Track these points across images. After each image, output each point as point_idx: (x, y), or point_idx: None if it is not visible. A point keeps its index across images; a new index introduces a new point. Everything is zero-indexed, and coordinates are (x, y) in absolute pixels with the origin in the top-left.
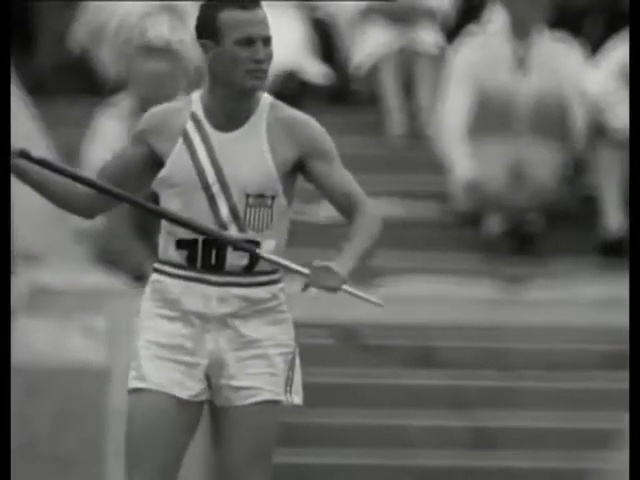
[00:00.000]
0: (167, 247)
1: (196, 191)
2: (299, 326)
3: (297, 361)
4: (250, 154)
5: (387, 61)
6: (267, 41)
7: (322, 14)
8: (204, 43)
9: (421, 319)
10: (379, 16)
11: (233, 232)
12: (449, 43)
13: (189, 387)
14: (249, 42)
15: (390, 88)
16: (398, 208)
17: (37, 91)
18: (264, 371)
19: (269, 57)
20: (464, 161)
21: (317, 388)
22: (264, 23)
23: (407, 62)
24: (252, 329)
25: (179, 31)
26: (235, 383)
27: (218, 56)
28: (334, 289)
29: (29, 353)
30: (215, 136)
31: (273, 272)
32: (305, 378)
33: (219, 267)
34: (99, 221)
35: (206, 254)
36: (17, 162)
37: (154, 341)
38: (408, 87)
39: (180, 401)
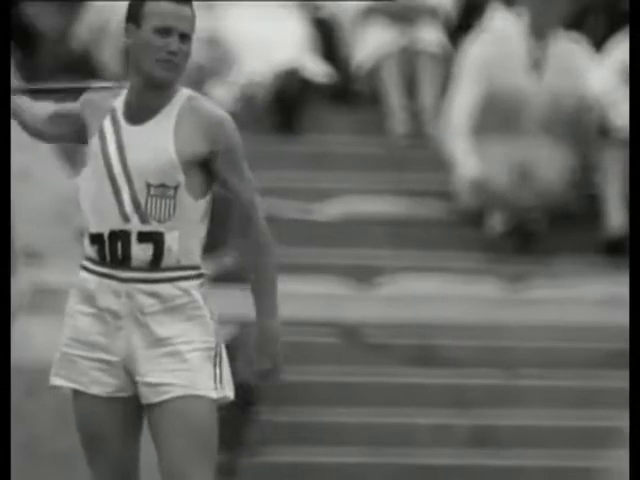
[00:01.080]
0: (85, 242)
1: (105, 183)
2: (303, 324)
3: (223, 357)
4: (154, 144)
5: (389, 60)
6: (185, 38)
7: (324, 13)
8: (127, 27)
9: (424, 318)
10: (381, 15)
11: (136, 223)
12: (451, 42)
13: (106, 384)
14: (166, 32)
15: (392, 87)
16: (401, 207)
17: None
18: (176, 367)
19: (184, 53)
20: (468, 159)
21: (320, 386)
22: (187, 20)
23: (409, 61)
24: (163, 327)
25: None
26: (148, 379)
27: (135, 41)
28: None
29: (30, 352)
30: (126, 128)
31: (183, 268)
32: (308, 377)
33: (126, 262)
34: None
35: (113, 248)
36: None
37: (74, 338)
38: (410, 86)
39: (101, 399)
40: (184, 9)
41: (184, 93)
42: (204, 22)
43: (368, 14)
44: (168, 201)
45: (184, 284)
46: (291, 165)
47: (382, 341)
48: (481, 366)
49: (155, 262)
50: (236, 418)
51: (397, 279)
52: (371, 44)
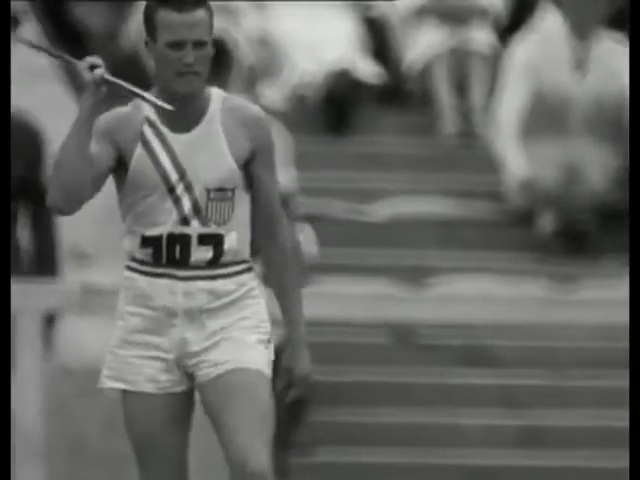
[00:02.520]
0: (133, 244)
1: (161, 194)
2: (352, 325)
3: (271, 345)
4: (209, 150)
5: (440, 60)
6: (199, 44)
7: (375, 13)
8: (147, 41)
9: (473, 318)
10: (432, 15)
11: (196, 227)
12: (501, 42)
13: (161, 381)
14: (178, 45)
15: (442, 87)
16: (451, 207)
17: None
18: (232, 348)
19: (202, 59)
20: (518, 159)
21: (370, 387)
22: (199, 26)
23: (459, 61)
24: (219, 320)
25: (232, 31)
26: (205, 358)
27: (154, 55)
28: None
29: (79, 353)
30: (173, 137)
31: (239, 262)
32: (359, 377)
33: (184, 262)
34: None
35: (170, 249)
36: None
37: (125, 339)
38: (461, 86)
39: (156, 397)
40: (194, 15)
41: (218, 94)
42: (255, 22)
43: (419, 14)
44: (227, 204)
45: (241, 278)
46: (341, 165)
47: (432, 342)
48: (530, 366)
49: (214, 261)
50: (287, 419)
51: (447, 280)
52: (422, 44)
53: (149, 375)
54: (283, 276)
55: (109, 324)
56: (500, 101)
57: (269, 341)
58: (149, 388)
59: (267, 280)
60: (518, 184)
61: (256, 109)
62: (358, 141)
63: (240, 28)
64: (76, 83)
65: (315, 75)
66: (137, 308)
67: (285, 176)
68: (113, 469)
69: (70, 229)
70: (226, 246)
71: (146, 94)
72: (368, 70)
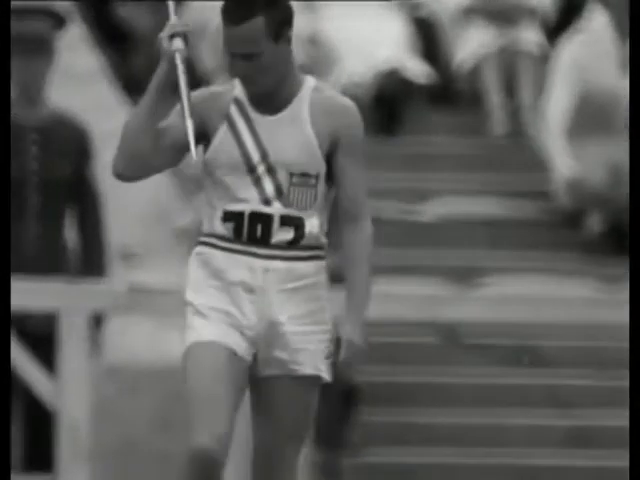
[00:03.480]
0: (212, 220)
1: (241, 173)
2: (402, 325)
3: (332, 340)
4: (294, 134)
5: (489, 60)
6: (248, 56)
7: (424, 12)
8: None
9: (521, 318)
10: (481, 14)
11: (278, 207)
12: (549, 42)
13: (240, 344)
14: (232, 55)
15: (492, 87)
16: (500, 207)
17: (133, 88)
18: (308, 347)
19: (255, 69)
20: (565, 159)
21: (420, 387)
22: (246, 40)
23: (508, 61)
24: (295, 304)
25: None
26: (280, 355)
27: None
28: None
29: (127, 353)
30: (259, 119)
31: (318, 247)
32: (408, 377)
33: (264, 241)
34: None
35: (252, 227)
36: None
37: (208, 306)
38: (510, 86)
39: (234, 354)
40: (243, 28)
41: (310, 82)
42: (304, 22)
43: (468, 13)
44: (310, 189)
45: (317, 263)
46: (391, 166)
47: (479, 341)
48: (577, 366)
49: (294, 242)
50: (338, 419)
51: (495, 279)
52: (471, 44)
53: (229, 335)
54: (360, 261)
55: (156, 324)
56: (547, 101)
57: (330, 339)
58: (229, 344)
59: (343, 270)
60: (566, 184)
61: (346, 100)
62: (408, 141)
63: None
64: (122, 84)
65: (365, 75)
66: (215, 281)
67: None
68: (161, 468)
69: (119, 229)
70: (307, 229)
71: (186, 101)
72: (418, 70)
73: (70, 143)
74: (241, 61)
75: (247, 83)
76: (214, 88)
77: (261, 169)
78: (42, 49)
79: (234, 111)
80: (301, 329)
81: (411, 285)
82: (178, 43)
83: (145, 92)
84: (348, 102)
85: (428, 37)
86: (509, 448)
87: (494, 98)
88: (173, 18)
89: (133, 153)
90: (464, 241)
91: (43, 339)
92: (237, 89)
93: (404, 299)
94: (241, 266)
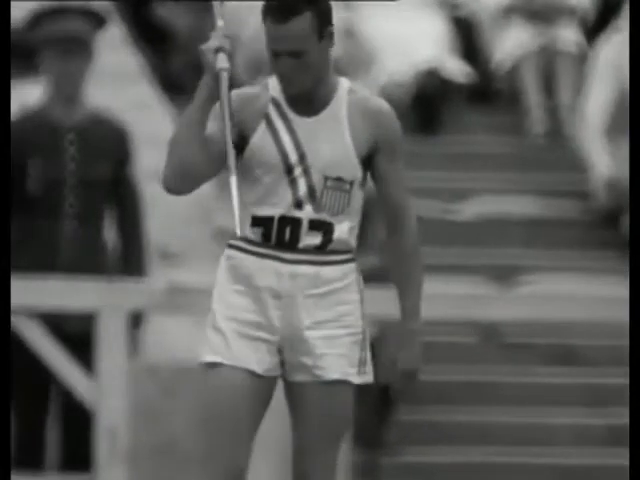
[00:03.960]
0: (243, 222)
1: (278, 173)
2: (442, 324)
3: (367, 341)
4: (331, 137)
5: (528, 59)
6: (295, 54)
7: (463, 12)
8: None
9: (560, 317)
10: (520, 14)
11: (308, 211)
12: (588, 42)
13: (263, 361)
14: (275, 54)
15: (531, 87)
16: (538, 206)
17: (172, 88)
18: (333, 351)
19: (299, 68)
20: (604, 159)
21: (460, 386)
22: (293, 37)
23: (548, 60)
24: (322, 308)
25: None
26: (304, 361)
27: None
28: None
29: (166, 353)
30: (297, 120)
31: (346, 252)
32: (448, 376)
33: (292, 245)
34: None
35: (281, 231)
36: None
37: (229, 316)
38: (549, 85)
39: (255, 375)
40: (290, 26)
41: (344, 85)
42: (339, 15)
43: (508, 13)
44: (343, 195)
45: (344, 267)
46: (431, 165)
47: (520, 340)
48: (616, 365)
49: (322, 247)
50: (376, 418)
51: (533, 278)
52: (510, 43)
53: (251, 353)
54: (408, 264)
55: (196, 323)
56: (586, 100)
57: (364, 339)
58: (252, 366)
59: (390, 271)
60: (603, 183)
61: (381, 102)
62: (447, 141)
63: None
64: (161, 84)
65: (405, 75)
66: (241, 287)
67: None
68: (200, 469)
69: (158, 229)
70: (335, 235)
71: (228, 122)
72: (457, 69)
73: (109, 143)
74: (287, 59)
75: (289, 83)
76: (249, 90)
77: (298, 170)
78: (81, 49)
79: (272, 111)
80: (327, 333)
81: (450, 284)
82: (223, 60)
83: (190, 105)
84: (384, 104)
85: (467, 37)
86: (549, 447)
87: (533, 97)
88: (220, 22)
89: (184, 167)
90: (502, 240)
91: (82, 339)
92: (273, 90)
93: (443, 298)
94: (268, 271)
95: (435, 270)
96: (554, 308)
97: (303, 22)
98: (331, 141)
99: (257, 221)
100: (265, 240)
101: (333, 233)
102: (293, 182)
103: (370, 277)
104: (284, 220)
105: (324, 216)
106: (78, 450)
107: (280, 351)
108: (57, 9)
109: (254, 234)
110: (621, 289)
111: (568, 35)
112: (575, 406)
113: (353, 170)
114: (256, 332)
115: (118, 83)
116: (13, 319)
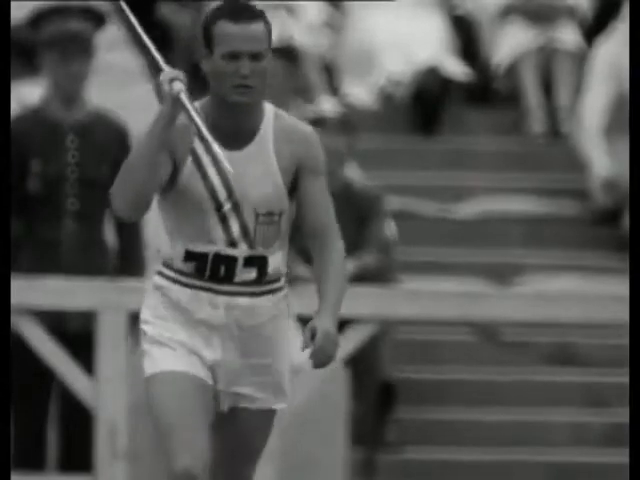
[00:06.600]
0: (172, 254)
1: (208, 210)
2: (440, 323)
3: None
4: (260, 172)
5: (527, 59)
6: (257, 56)
7: (462, 12)
8: (203, 52)
9: (559, 316)
10: (519, 14)
11: (243, 249)
12: (587, 42)
13: (205, 373)
14: (234, 57)
15: (530, 86)
16: (537, 205)
17: None
18: (262, 380)
19: (258, 72)
20: (602, 158)
21: (458, 385)
22: (257, 39)
23: (547, 60)
24: (256, 339)
25: (294, 30)
26: (233, 389)
27: (210, 67)
28: (332, 359)
29: None
30: (224, 155)
31: (279, 279)
32: (446, 375)
33: (227, 280)
34: None
35: (215, 267)
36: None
37: (164, 336)
38: (548, 85)
39: (197, 377)
40: (252, 27)
41: (269, 110)
42: (316, 8)
43: (507, 13)
44: (274, 227)
45: (279, 295)
46: (430, 164)
47: (519, 339)
48: (615, 365)
49: (257, 280)
50: (375, 416)
51: (533, 277)
52: (509, 43)
53: (191, 363)
54: (333, 273)
55: None
56: (584, 100)
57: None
58: (191, 370)
59: (316, 282)
60: (602, 183)
61: (307, 128)
62: (446, 140)
63: (301, 26)
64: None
65: (404, 74)
66: (176, 314)
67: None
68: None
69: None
70: (270, 267)
71: (205, 131)
72: (456, 68)
73: (109, 143)
74: (248, 62)
75: (245, 89)
76: (179, 121)
77: (227, 207)
78: (81, 49)
79: (198, 146)
80: (262, 362)
81: (449, 283)
82: (179, 85)
83: (146, 134)
84: (309, 129)
85: (467, 36)
86: (548, 446)
87: (532, 97)
88: (165, 68)
89: (142, 196)
90: (501, 239)
91: (82, 339)
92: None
93: (442, 297)
94: (204, 303)
95: (434, 269)
96: (553, 307)
97: (262, 26)
98: (260, 177)
99: (191, 256)
100: (198, 274)
101: (268, 266)
102: (224, 220)
103: (366, 277)
104: (218, 258)
105: (259, 251)
106: (78, 449)
107: (213, 376)
108: (57, 9)
109: (187, 268)
110: (620, 288)
111: (567, 35)
112: (574, 405)
113: (282, 202)
114: (191, 350)
115: (118, 83)
116: (13, 319)
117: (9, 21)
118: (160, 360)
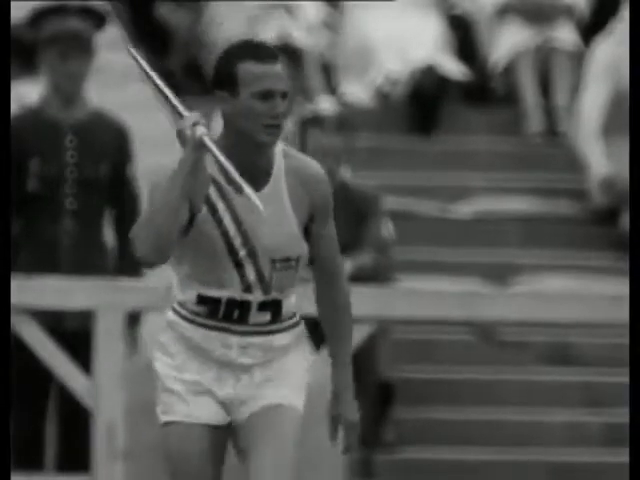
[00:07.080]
0: (187, 296)
1: (223, 257)
2: (438, 323)
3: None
4: (275, 218)
5: (524, 58)
6: (285, 95)
7: (459, 11)
8: (220, 94)
9: (557, 316)
10: (516, 13)
11: (258, 295)
12: (584, 41)
13: (216, 412)
14: (266, 96)
15: (527, 85)
16: (535, 205)
17: (170, 88)
18: (272, 388)
19: (285, 112)
20: (600, 158)
21: (456, 384)
22: (282, 77)
23: (544, 59)
24: (269, 370)
25: (292, 29)
26: (252, 409)
27: (234, 108)
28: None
29: None
30: (238, 200)
31: (293, 316)
32: (445, 375)
33: (240, 322)
34: None
35: (228, 311)
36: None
37: (177, 377)
38: (545, 84)
39: (212, 427)
40: (277, 67)
41: (278, 147)
42: (315, 9)
43: (504, 12)
44: (291, 272)
45: (294, 331)
46: (427, 164)
47: (517, 339)
48: (615, 364)
49: (272, 322)
50: (374, 417)
51: (531, 277)
52: (507, 42)
53: (203, 407)
54: (341, 317)
55: None
56: (582, 100)
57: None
58: (204, 419)
59: (322, 323)
60: (600, 182)
61: (317, 167)
62: (443, 139)
63: (300, 26)
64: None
65: (401, 73)
66: (190, 353)
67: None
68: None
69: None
70: (284, 309)
71: (232, 170)
72: (453, 68)
73: (109, 143)
74: (280, 101)
75: (277, 129)
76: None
77: (242, 253)
78: (81, 48)
79: (212, 191)
80: (271, 383)
81: (447, 283)
82: (201, 129)
83: (169, 182)
84: (319, 169)
85: (464, 35)
86: (545, 446)
87: (529, 97)
88: (185, 113)
89: (166, 241)
90: (499, 239)
91: (80, 338)
92: (211, 168)
93: (440, 297)
94: (215, 342)
95: (433, 269)
96: (552, 307)
97: (282, 66)
98: (275, 223)
99: (203, 300)
100: (211, 316)
101: (282, 309)
102: (239, 266)
103: (363, 276)
104: (232, 302)
105: (273, 295)
106: (76, 448)
107: (229, 412)
108: (57, 8)
109: (199, 309)
110: (618, 287)
111: (565, 34)
112: (572, 405)
113: (299, 247)
114: (205, 390)
115: (118, 83)
116: (12, 318)
117: (9, 21)
118: (170, 406)
